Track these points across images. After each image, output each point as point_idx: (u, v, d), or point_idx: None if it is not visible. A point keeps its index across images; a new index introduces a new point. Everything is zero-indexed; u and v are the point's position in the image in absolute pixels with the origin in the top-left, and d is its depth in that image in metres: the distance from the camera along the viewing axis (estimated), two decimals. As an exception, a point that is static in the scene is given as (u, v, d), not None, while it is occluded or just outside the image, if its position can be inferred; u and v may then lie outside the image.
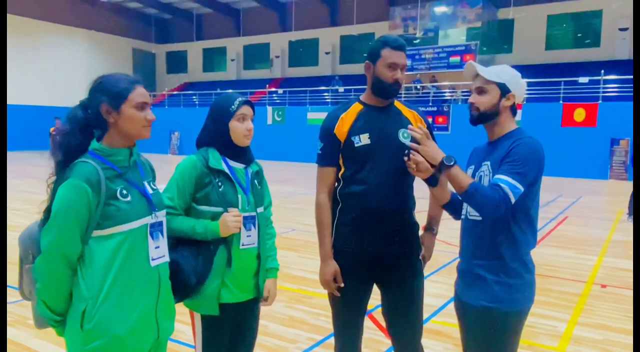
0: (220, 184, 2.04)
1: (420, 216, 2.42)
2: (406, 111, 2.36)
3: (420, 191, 2.45)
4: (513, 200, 1.82)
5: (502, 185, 1.82)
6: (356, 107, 2.32)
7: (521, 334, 2.01)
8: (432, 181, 2.20)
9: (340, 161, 2.29)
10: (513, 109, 2.04)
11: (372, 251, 2.26)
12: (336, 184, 2.32)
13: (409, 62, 18.72)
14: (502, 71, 2.02)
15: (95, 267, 1.63)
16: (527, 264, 1.96)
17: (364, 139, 2.24)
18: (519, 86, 2.02)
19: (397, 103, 2.38)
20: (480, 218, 1.99)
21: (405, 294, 2.32)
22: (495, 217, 1.87)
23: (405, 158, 2.16)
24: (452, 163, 1.90)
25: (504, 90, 1.99)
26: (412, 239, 2.35)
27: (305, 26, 27.21)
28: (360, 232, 2.26)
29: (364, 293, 2.35)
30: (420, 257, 2.39)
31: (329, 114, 2.36)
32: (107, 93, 1.68)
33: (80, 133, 1.69)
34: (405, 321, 2.34)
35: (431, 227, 2.44)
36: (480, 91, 2.02)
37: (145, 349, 1.75)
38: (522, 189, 1.84)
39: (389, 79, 2.22)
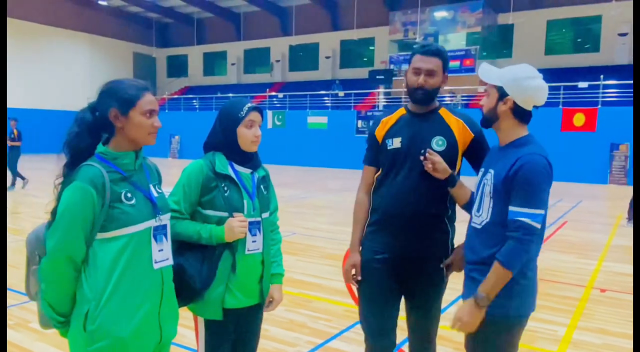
0: (226, 188, 2.04)
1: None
2: (451, 119, 2.32)
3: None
4: (538, 226, 1.81)
5: (520, 219, 1.80)
6: (399, 112, 2.39)
7: (519, 340, 2.00)
8: (450, 181, 2.21)
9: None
10: (519, 114, 1.93)
11: (394, 253, 2.30)
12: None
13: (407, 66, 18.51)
14: (505, 73, 1.93)
15: (99, 269, 1.65)
16: (525, 272, 1.92)
17: (395, 143, 2.30)
18: (522, 89, 1.89)
19: (443, 110, 2.35)
20: (479, 226, 1.98)
21: (427, 290, 2.36)
22: (533, 251, 1.86)
23: (422, 157, 2.18)
24: (485, 301, 1.86)
25: (501, 93, 1.92)
26: (438, 244, 2.33)
27: (305, 31, 27.30)
28: (383, 233, 2.32)
29: (388, 292, 2.35)
30: (443, 265, 2.33)
31: (376, 117, 2.46)
32: (116, 98, 1.69)
33: (87, 135, 1.71)
34: (424, 315, 2.39)
35: None
36: (486, 92, 2.00)
37: (148, 352, 1.76)
38: (542, 212, 1.82)
39: (413, 84, 2.25)
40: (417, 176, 2.25)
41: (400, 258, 2.30)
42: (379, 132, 2.36)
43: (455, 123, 2.31)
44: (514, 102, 1.91)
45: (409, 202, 2.25)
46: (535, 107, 1.95)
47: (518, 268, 1.84)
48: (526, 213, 1.80)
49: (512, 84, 1.91)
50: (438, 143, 2.27)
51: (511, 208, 1.84)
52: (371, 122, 2.49)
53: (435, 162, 2.15)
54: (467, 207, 2.21)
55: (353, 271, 2.38)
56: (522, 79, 1.90)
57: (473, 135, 2.31)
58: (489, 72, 1.98)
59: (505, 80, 1.92)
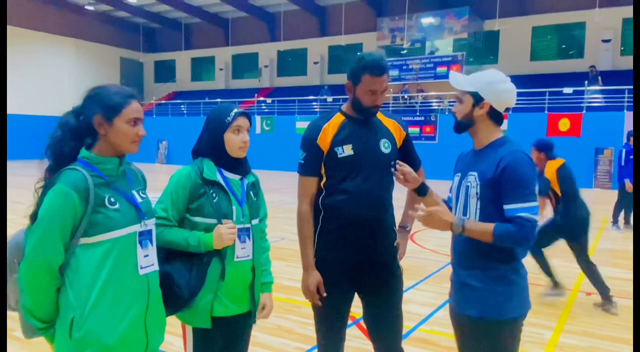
0: (214, 195, 2.01)
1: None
2: (386, 121, 2.41)
3: (397, 199, 2.48)
4: (536, 218, 1.85)
5: (520, 215, 1.83)
6: (338, 118, 2.36)
7: (519, 343, 1.98)
8: (421, 191, 2.23)
9: (322, 171, 2.33)
10: (494, 117, 1.99)
11: (353, 259, 2.31)
12: (318, 193, 2.35)
13: (396, 73, 18.54)
14: (477, 78, 1.98)
15: (83, 275, 1.62)
16: (518, 271, 1.95)
17: (347, 150, 2.28)
18: (497, 93, 1.95)
19: (377, 113, 2.41)
20: None
21: (386, 302, 2.37)
22: (531, 245, 1.90)
23: (392, 169, 2.19)
24: (461, 230, 1.88)
25: (477, 98, 1.96)
26: (392, 247, 2.40)
27: (293, 36, 27.34)
28: (342, 240, 2.30)
29: (346, 301, 2.39)
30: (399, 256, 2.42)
31: (311, 124, 2.39)
32: (101, 105, 1.68)
33: (71, 140, 1.69)
34: (387, 328, 2.39)
35: (405, 225, 2.48)
36: (458, 99, 2.03)
37: (135, 359, 1.74)
38: (536, 203, 1.87)
39: (368, 104, 2.27)
40: (374, 181, 2.29)
41: (361, 262, 2.31)
42: (322, 141, 2.29)
43: (390, 124, 2.40)
44: (490, 106, 1.97)
45: (369, 207, 2.28)
46: (507, 109, 2.01)
47: (502, 245, 1.88)
48: (523, 208, 1.84)
49: (487, 88, 1.96)
50: (385, 145, 2.33)
51: (507, 207, 1.86)
52: (307, 130, 2.36)
53: (405, 173, 2.16)
54: None
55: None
56: (496, 83, 1.97)
57: (405, 133, 2.43)
58: (459, 79, 2.02)
59: (479, 85, 1.97)
